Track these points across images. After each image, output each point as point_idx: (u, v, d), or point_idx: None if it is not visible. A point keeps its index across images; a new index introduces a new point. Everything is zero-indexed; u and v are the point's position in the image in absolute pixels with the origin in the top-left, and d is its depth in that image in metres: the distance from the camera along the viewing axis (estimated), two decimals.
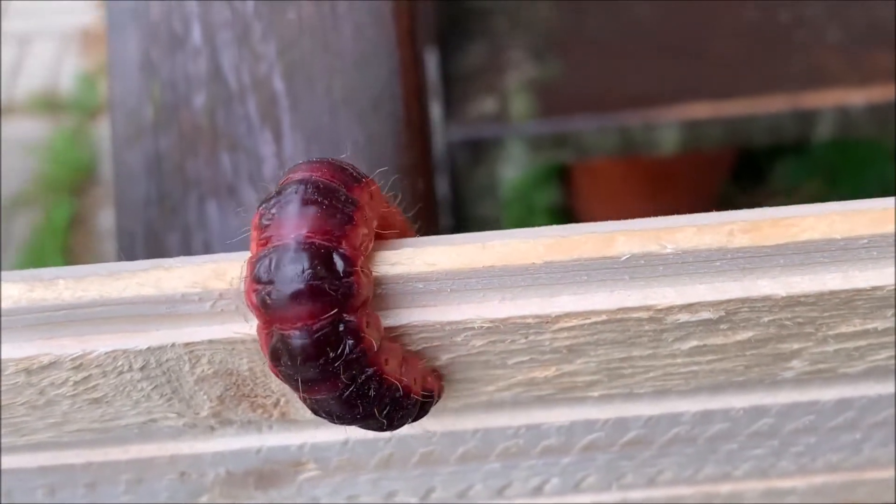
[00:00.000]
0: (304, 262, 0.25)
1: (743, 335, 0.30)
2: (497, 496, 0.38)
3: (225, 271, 0.27)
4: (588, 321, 0.29)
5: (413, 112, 0.46)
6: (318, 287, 0.25)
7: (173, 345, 0.28)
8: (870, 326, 0.30)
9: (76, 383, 0.29)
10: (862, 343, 0.31)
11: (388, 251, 0.28)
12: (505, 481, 0.37)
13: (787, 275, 0.28)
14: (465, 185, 1.40)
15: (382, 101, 0.45)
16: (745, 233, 0.27)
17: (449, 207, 1.38)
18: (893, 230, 0.28)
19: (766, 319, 0.29)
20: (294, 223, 0.26)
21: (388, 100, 0.46)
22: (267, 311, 0.25)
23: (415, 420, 0.28)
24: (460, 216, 1.41)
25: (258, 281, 0.25)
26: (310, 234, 0.26)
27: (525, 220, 1.73)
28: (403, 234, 0.32)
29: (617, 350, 0.30)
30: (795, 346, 0.31)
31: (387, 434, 0.34)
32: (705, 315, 0.29)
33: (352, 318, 0.26)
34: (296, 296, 0.25)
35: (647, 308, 0.29)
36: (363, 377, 0.26)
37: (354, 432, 0.34)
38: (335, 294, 0.25)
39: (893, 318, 0.30)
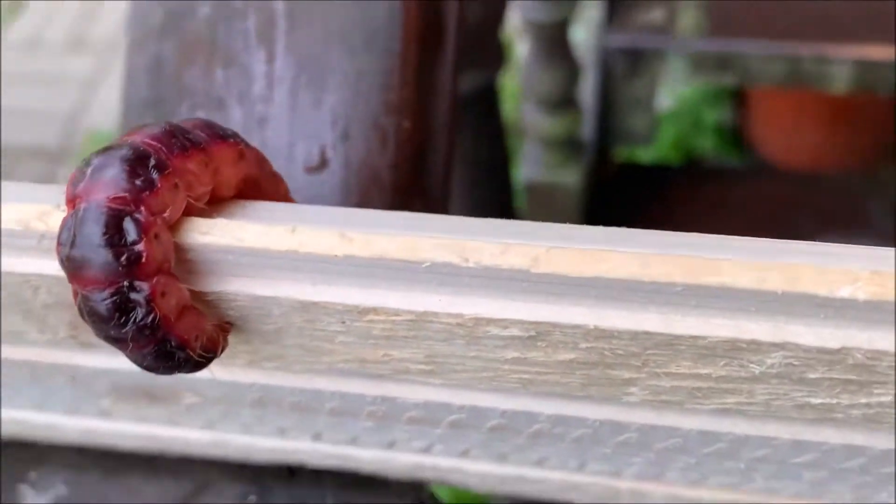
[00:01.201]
0: (96, 228, 0.26)
1: (564, 356, 0.29)
2: (387, 448, 0.39)
3: (49, 213, 0.28)
4: (399, 318, 0.28)
5: (411, 52, 0.45)
6: (105, 254, 0.26)
7: (10, 273, 0.30)
8: (702, 371, 0.28)
9: None
10: (701, 385, 0.29)
11: (204, 219, 0.28)
12: (389, 437, 0.38)
13: (599, 307, 0.27)
14: (617, 94, 1.36)
15: (377, 38, 0.45)
16: (549, 261, 0.26)
17: (594, 116, 1.34)
18: (713, 282, 0.25)
19: (583, 346, 0.28)
20: (94, 187, 0.26)
21: (384, 37, 0.45)
22: (65, 269, 0.26)
23: (189, 372, 0.29)
24: (606, 127, 1.38)
25: (59, 242, 0.26)
26: (106, 199, 0.26)
27: (688, 136, 1.66)
28: (277, 197, 0.32)
29: (441, 346, 0.30)
30: (626, 374, 0.29)
31: (249, 380, 0.35)
32: (515, 332, 0.28)
33: (141, 283, 0.26)
34: (85, 261, 0.26)
35: (455, 315, 0.28)
36: (139, 310, 0.26)
37: (220, 371, 0.34)
38: (120, 262, 0.26)
39: (728, 368, 0.28)
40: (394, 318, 0.28)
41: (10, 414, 0.39)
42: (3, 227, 0.28)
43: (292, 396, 0.35)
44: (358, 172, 0.44)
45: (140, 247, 0.26)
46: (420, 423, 0.36)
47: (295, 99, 0.45)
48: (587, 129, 1.33)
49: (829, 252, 0.26)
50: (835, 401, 0.28)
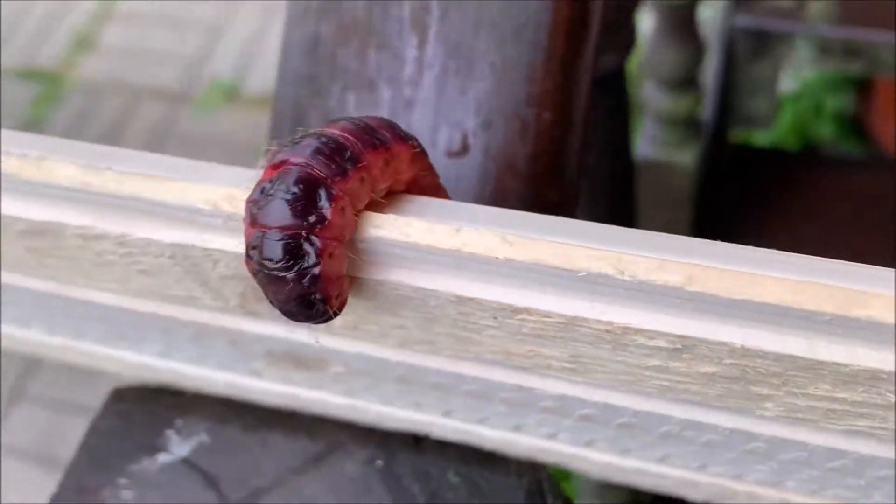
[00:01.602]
0: (296, 185, 0.28)
1: (706, 369, 0.30)
2: (514, 431, 0.41)
3: (235, 197, 0.31)
4: (549, 320, 0.30)
5: (557, 44, 0.47)
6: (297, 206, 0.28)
7: (193, 245, 0.32)
8: (840, 395, 0.29)
9: (122, 255, 0.34)
10: (836, 407, 0.30)
11: (377, 214, 0.30)
12: (518, 421, 0.40)
13: (748, 328, 0.28)
14: (739, 76, 1.35)
15: (525, 30, 0.46)
16: (704, 280, 0.27)
17: (714, 96, 1.33)
18: (861, 315, 0.27)
19: (727, 361, 0.29)
20: (298, 160, 0.29)
21: (533, 28, 0.46)
22: (253, 216, 0.29)
23: (316, 323, 0.30)
24: (726, 108, 1.36)
25: (256, 193, 0.29)
26: (306, 169, 0.28)
27: (807, 121, 1.63)
28: (435, 194, 0.34)
29: (587, 348, 0.31)
30: (765, 391, 0.30)
31: (397, 359, 0.37)
32: (661, 343, 0.29)
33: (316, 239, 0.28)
34: (277, 208, 0.28)
35: (604, 323, 0.29)
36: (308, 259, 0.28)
37: (371, 348, 0.37)
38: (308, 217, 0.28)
39: (865, 395, 0.29)
40: (545, 319, 0.30)
41: (167, 364, 0.42)
42: (192, 205, 0.31)
43: (435, 377, 0.37)
44: (496, 160, 0.46)
45: (327, 212, 0.28)
46: (552, 413, 0.37)
47: (442, 85, 0.47)
48: (706, 109, 1.31)
49: None
50: None
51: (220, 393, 0.44)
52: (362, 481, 0.43)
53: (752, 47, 1.33)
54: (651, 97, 1.15)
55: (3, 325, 0.43)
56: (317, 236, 0.28)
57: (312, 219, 0.28)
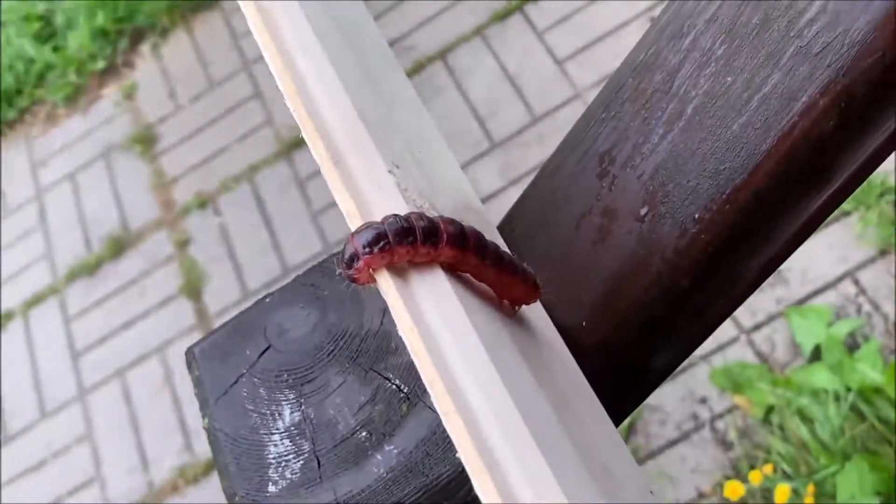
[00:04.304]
0: (360, 239, 0.58)
1: None
2: None
3: (355, 216, 0.61)
4: None
5: (741, 196, 0.63)
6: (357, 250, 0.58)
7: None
8: None
9: None
10: None
11: (393, 277, 0.58)
12: None
13: None
14: None
15: (720, 175, 0.64)
16: None
17: None
18: None
19: None
20: (359, 236, 0.58)
21: (726, 176, 0.64)
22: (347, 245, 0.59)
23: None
24: None
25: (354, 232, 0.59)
26: (362, 236, 0.57)
27: None
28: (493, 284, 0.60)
29: None
30: None
31: None
32: None
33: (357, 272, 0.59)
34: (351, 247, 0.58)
35: None
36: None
37: None
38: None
39: None
40: None
41: None
42: (338, 201, 0.61)
43: None
44: (652, 242, 0.67)
45: (359, 263, 0.57)
46: None
47: (654, 172, 0.68)
48: None
49: None
50: None
51: None
52: None
53: None
54: None
55: None
56: (355, 270, 0.58)
57: (354, 262, 0.58)
